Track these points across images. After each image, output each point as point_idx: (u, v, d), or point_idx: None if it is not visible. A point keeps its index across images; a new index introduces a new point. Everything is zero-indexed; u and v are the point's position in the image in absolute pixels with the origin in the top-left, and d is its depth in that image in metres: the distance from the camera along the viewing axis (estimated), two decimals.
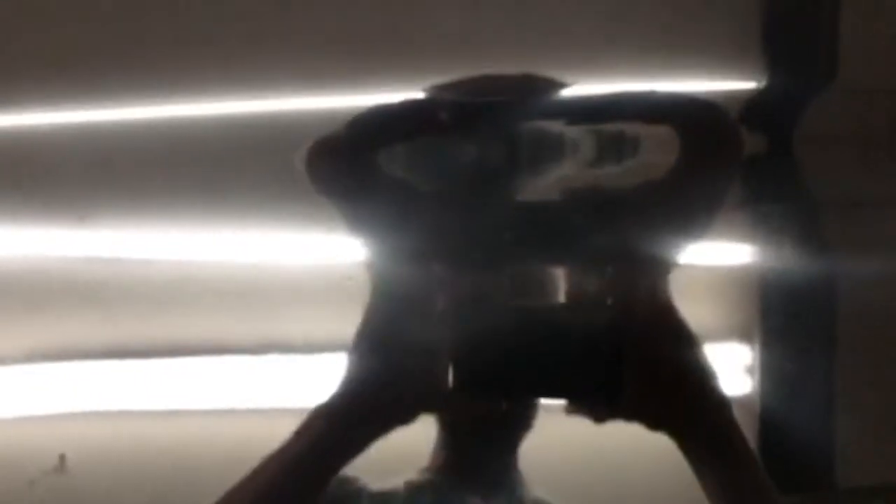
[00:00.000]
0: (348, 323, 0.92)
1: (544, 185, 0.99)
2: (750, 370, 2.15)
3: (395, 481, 1.22)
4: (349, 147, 0.92)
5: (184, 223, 2.20)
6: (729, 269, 2.14)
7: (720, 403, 0.89)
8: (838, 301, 2.13)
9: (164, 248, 2.20)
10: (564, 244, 0.88)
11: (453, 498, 1.18)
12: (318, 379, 2.07)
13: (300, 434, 0.91)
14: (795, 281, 2.11)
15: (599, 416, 0.88)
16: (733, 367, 2.14)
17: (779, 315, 2.13)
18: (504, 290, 0.88)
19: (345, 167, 0.91)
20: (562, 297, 0.89)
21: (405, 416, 0.89)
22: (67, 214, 2.19)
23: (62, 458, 2.18)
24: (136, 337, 2.20)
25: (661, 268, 0.89)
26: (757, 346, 2.14)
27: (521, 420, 1.23)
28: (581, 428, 0.90)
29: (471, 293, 0.87)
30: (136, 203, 2.17)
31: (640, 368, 0.85)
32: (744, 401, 2.14)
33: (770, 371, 2.12)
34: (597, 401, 0.86)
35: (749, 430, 2.00)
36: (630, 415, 0.87)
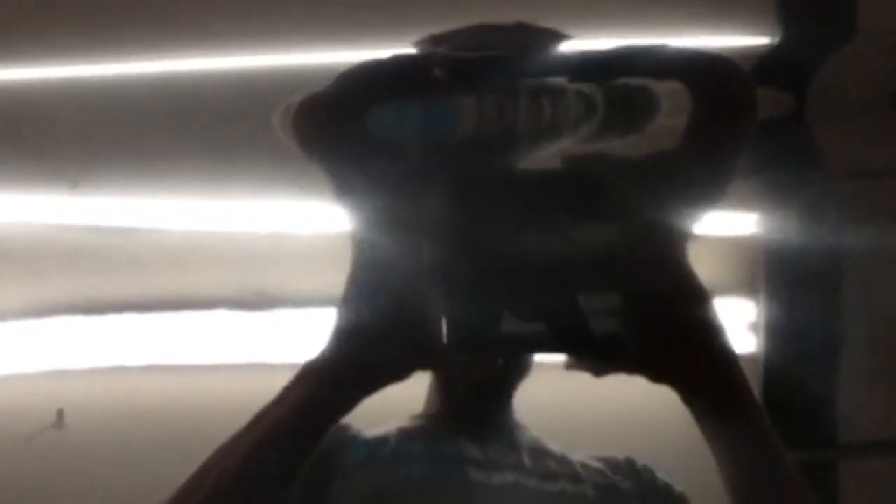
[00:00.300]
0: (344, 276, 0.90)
1: (546, 154, 0.95)
2: (754, 326, 2.14)
3: (388, 428, 1.20)
4: (338, 105, 0.88)
5: (178, 182, 2.18)
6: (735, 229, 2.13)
7: (726, 357, 0.88)
8: (843, 259, 2.11)
9: (160, 211, 2.19)
10: (566, 211, 0.84)
11: (446, 443, 1.16)
12: (315, 333, 2.03)
13: (291, 390, 0.90)
14: (801, 239, 2.09)
15: (600, 370, 0.87)
16: (737, 323, 2.13)
17: (783, 270, 2.11)
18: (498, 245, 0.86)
19: (333, 127, 0.88)
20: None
21: (398, 373, 0.88)
22: (60, 180, 2.17)
23: (60, 413, 2.18)
24: (133, 292, 2.19)
25: (669, 228, 0.87)
26: (761, 302, 2.12)
27: (517, 367, 1.21)
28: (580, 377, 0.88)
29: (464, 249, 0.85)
30: (129, 166, 2.15)
31: (646, 322, 0.84)
32: (748, 357, 2.13)
33: (774, 327, 2.11)
34: (597, 355, 0.85)
35: (753, 386, 2.02)
36: (633, 368, 0.86)
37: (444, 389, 1.23)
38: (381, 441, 1.17)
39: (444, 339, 0.83)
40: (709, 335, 0.87)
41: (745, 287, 2.13)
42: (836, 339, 2.11)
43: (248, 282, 2.17)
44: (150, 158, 2.13)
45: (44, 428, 2.17)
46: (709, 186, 0.90)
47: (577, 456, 1.22)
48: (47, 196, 2.19)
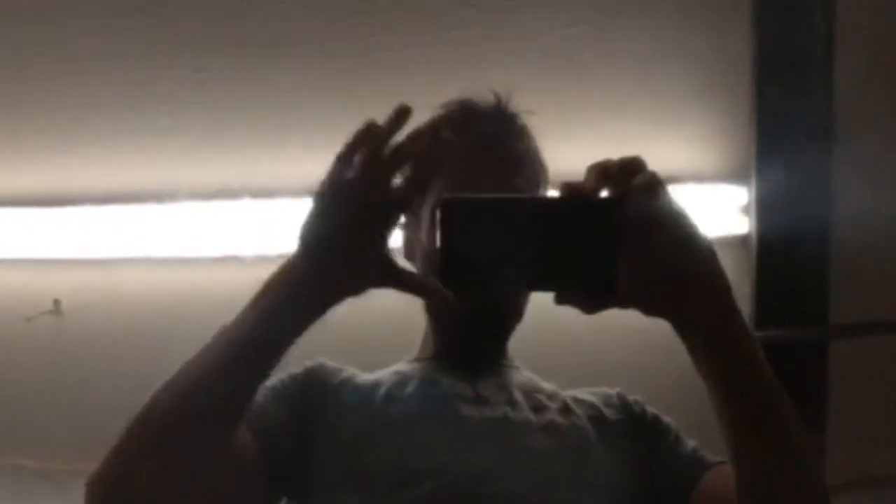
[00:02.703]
0: None
1: None
2: (746, 209, 2.13)
3: (382, 372, 1.23)
4: None
5: None
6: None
7: (719, 286, 0.88)
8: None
9: None
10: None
11: (438, 383, 1.18)
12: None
13: (253, 306, 0.93)
14: (792, 119, 2.07)
15: (591, 305, 0.87)
16: (730, 207, 2.13)
17: (774, 154, 2.10)
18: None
19: None
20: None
21: (354, 287, 0.91)
22: None
23: (57, 302, 2.20)
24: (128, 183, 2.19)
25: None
26: (753, 186, 2.11)
27: (511, 309, 1.23)
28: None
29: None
30: None
31: (634, 255, 0.84)
32: (740, 240, 2.14)
33: (766, 210, 2.10)
34: (589, 290, 0.85)
35: (746, 269, 2.03)
36: (623, 302, 0.86)
37: (439, 332, 1.25)
38: (375, 384, 1.19)
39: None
40: (700, 264, 0.87)
41: (737, 172, 2.13)
42: (828, 217, 2.11)
43: (248, 171, 2.17)
44: None
45: (42, 312, 2.20)
46: None
47: (570, 392, 1.24)
48: None
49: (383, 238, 0.90)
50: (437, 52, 2.10)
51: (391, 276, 0.91)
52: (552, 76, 2.11)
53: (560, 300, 0.86)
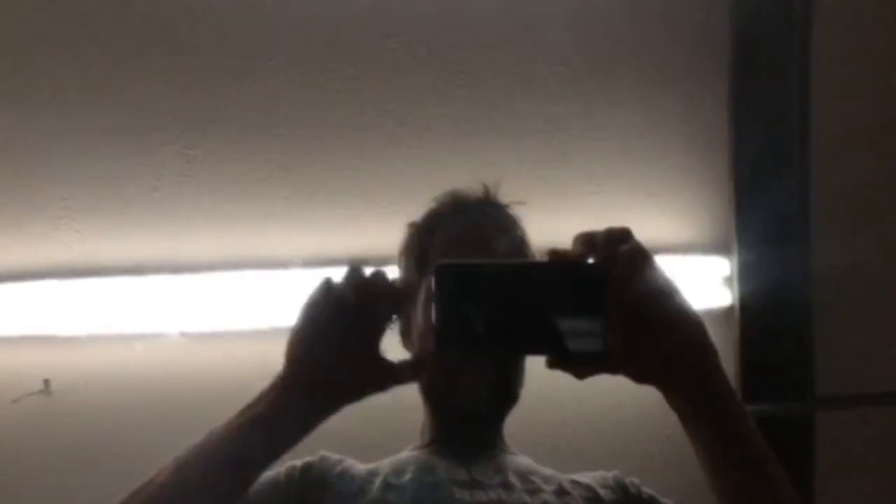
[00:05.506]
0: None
1: None
2: (728, 281, 2.16)
3: (380, 462, 1.24)
4: None
5: None
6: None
7: (705, 353, 0.90)
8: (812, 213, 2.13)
9: None
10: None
11: (434, 469, 1.19)
12: (298, 298, 2.01)
13: (245, 412, 0.94)
14: (771, 192, 2.11)
15: (582, 371, 0.89)
16: (713, 279, 2.16)
17: (754, 225, 2.13)
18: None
19: None
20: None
21: (351, 394, 0.93)
22: None
23: (47, 382, 2.19)
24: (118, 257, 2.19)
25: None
26: (735, 258, 2.14)
27: (507, 395, 1.24)
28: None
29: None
30: None
31: (624, 322, 0.86)
32: (724, 312, 2.16)
33: (748, 281, 2.13)
34: (579, 355, 0.87)
35: (730, 341, 2.04)
36: (614, 368, 0.88)
37: (435, 418, 1.27)
38: (373, 473, 1.20)
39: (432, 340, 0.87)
40: (688, 332, 0.89)
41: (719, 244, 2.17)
42: (810, 291, 2.13)
43: (241, 245, 2.19)
44: None
45: (31, 393, 2.18)
46: None
47: (567, 475, 1.24)
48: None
49: (376, 342, 0.92)
50: (425, 127, 2.15)
51: (388, 378, 0.93)
52: (538, 151, 2.16)
53: (552, 364, 0.88)
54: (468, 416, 1.23)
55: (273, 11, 2.12)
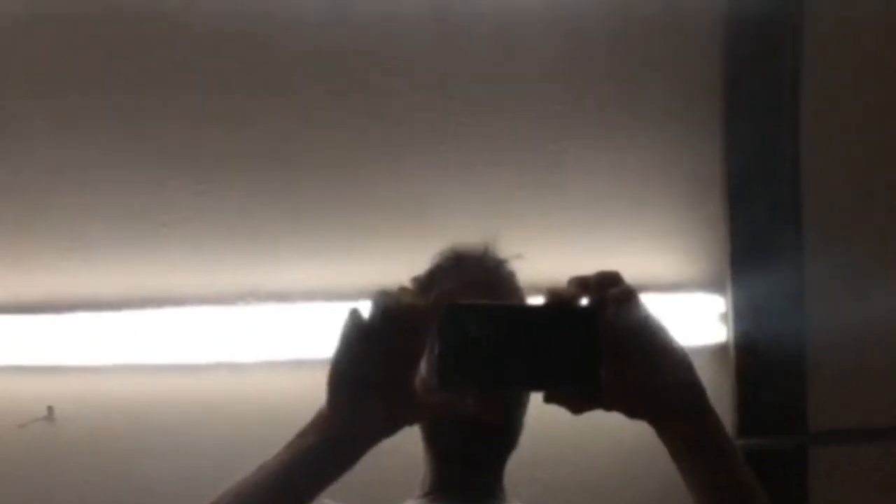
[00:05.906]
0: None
1: None
2: (724, 318, 2.19)
3: None
4: None
5: None
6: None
7: (694, 389, 0.94)
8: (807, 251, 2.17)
9: None
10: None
11: None
12: (301, 331, 2.08)
13: (290, 446, 0.94)
14: (765, 230, 2.15)
15: (577, 406, 0.93)
16: (708, 316, 2.19)
17: (749, 262, 2.16)
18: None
19: None
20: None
21: (387, 429, 0.92)
22: None
23: (50, 409, 2.21)
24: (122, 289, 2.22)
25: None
26: (729, 295, 2.17)
27: (507, 439, 1.27)
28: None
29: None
30: None
31: (616, 360, 0.90)
32: (719, 348, 2.19)
33: (743, 318, 2.16)
34: (575, 392, 0.92)
35: (725, 378, 2.06)
36: (608, 405, 0.92)
37: (438, 462, 1.29)
38: None
39: (433, 379, 0.89)
40: (674, 369, 0.93)
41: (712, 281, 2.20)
42: (805, 327, 2.16)
43: (243, 277, 2.22)
44: None
45: (35, 419, 2.19)
46: None
47: None
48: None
49: (409, 373, 0.92)
50: (427, 165, 2.19)
51: (420, 412, 0.93)
52: (536, 190, 2.20)
53: (549, 399, 0.92)
54: (468, 460, 1.25)
55: (282, 50, 2.17)
